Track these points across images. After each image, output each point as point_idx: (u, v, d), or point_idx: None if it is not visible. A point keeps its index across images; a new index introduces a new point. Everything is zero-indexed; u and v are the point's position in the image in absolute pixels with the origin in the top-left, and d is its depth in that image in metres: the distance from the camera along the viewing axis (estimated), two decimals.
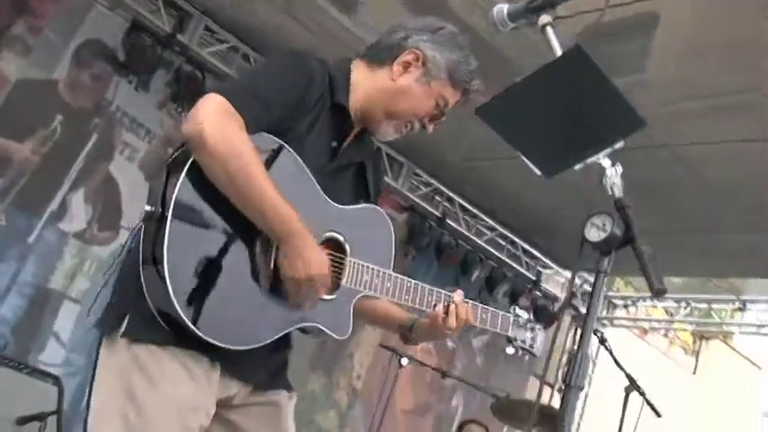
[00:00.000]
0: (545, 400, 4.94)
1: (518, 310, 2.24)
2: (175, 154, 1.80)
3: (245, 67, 5.60)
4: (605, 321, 8.18)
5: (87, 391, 1.79)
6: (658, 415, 3.98)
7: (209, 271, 1.73)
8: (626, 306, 8.13)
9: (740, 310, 7.20)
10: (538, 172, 1.54)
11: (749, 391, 11.09)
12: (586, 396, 7.88)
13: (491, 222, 7.04)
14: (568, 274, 7.62)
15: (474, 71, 2.04)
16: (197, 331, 1.69)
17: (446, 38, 2.03)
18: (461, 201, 6.87)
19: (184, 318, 1.68)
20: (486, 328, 2.18)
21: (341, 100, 1.98)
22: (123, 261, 1.87)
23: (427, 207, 6.74)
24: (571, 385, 1.34)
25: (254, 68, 3.90)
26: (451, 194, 6.82)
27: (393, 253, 2.08)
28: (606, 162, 1.48)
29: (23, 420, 3.57)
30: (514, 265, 7.31)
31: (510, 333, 2.20)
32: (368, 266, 1.97)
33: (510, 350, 2.22)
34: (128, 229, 5.44)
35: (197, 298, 1.70)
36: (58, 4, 5.21)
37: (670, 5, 3.99)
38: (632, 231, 1.38)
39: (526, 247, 7.31)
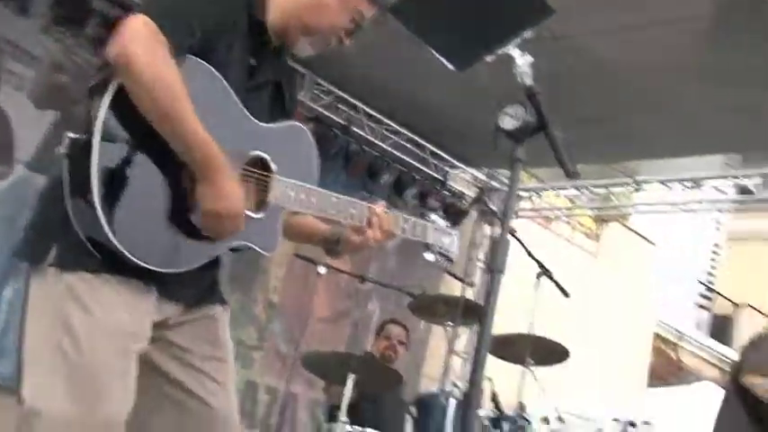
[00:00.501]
0: (456, 293, 5.16)
1: (434, 217, 2.31)
2: (97, 77, 1.75)
3: None
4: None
5: (19, 324, 1.77)
6: (567, 295, 4.20)
7: (138, 197, 1.72)
8: (531, 197, 8.38)
9: (636, 191, 7.54)
10: (451, 67, 1.56)
11: (645, 266, 11.75)
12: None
13: (396, 127, 7.08)
14: (476, 172, 7.79)
15: None
16: (129, 256, 1.69)
17: None
18: (365, 107, 6.87)
19: (116, 243, 1.67)
20: (407, 237, 2.24)
21: (258, 16, 1.96)
22: (44, 190, 1.83)
23: (331, 116, 6.72)
24: (494, 270, 1.41)
25: None
26: (355, 102, 6.80)
27: (316, 168, 2.10)
28: (516, 52, 1.51)
29: None
30: (422, 168, 7.41)
31: (429, 240, 2.27)
32: (293, 183, 1.99)
33: (429, 257, 2.29)
34: (23, 162, 5.24)
35: (127, 224, 1.70)
36: None
37: None
38: (545, 117, 1.43)
39: (433, 148, 7.39)
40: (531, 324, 4.43)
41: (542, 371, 4.66)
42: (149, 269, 1.73)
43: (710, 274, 13.76)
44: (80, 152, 1.68)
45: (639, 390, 9.84)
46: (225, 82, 1.85)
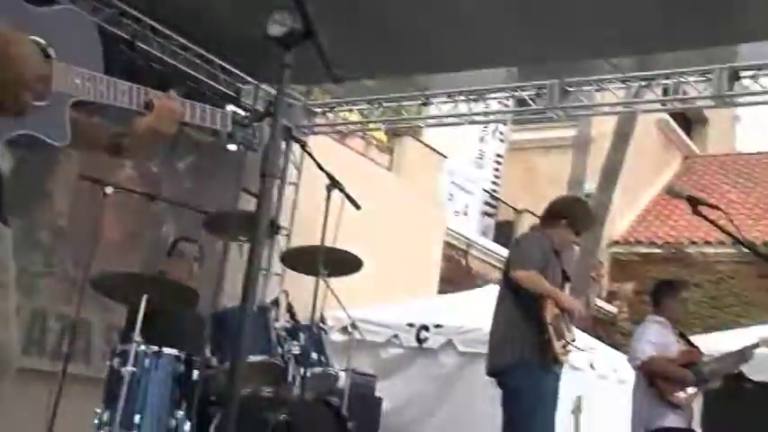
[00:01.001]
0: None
1: (235, 108, 2.26)
2: None
3: None
4: (306, 130, 8.49)
5: None
6: (357, 207, 4.32)
7: None
8: (325, 113, 8.46)
9: (425, 104, 7.82)
10: None
11: (436, 178, 12.29)
12: (297, 191, 8.31)
13: (185, 42, 6.84)
14: (268, 87, 7.72)
15: None
16: None
17: None
18: (151, 21, 6.56)
19: None
20: (205, 125, 2.17)
21: None
22: None
23: (115, 30, 6.35)
24: (266, 174, 1.44)
25: None
26: (139, 15, 6.48)
27: (101, 54, 1.98)
28: None
29: None
30: (213, 84, 7.25)
31: (230, 129, 2.22)
32: (77, 70, 1.87)
33: (232, 147, 2.25)
34: None
35: None
36: None
37: None
38: (311, 24, 1.46)
39: (223, 64, 7.24)
40: (327, 237, 4.51)
41: (338, 281, 4.79)
42: None
43: (494, 183, 14.61)
44: None
45: (431, 295, 10.38)
46: None
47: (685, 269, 14.56)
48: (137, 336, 4.06)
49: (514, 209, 15.00)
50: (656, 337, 5.01)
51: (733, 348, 5.26)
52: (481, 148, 14.26)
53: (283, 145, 8.60)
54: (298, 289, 5.11)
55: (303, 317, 4.76)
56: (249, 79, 7.54)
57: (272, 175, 1.47)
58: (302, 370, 4.14)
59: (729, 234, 3.41)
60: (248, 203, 5.74)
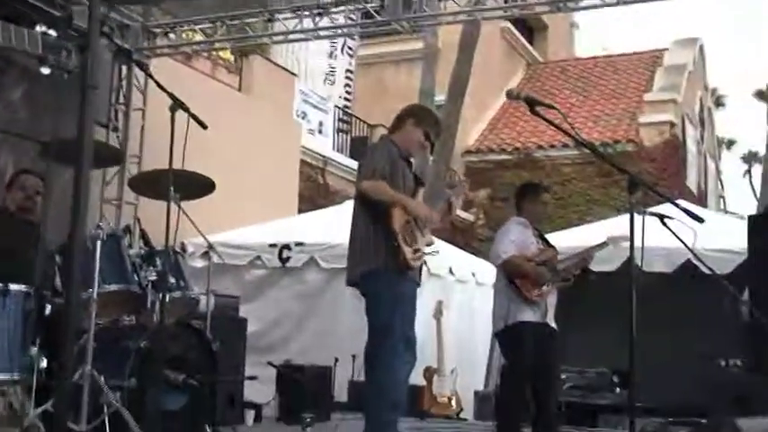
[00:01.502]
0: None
1: (47, 29, 2.15)
2: None
3: None
4: (148, 53, 8.15)
5: None
6: (204, 126, 4.20)
7: None
8: (166, 33, 8.14)
9: (270, 21, 7.66)
10: None
11: (288, 97, 12.15)
12: (144, 116, 8.03)
13: None
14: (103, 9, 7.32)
15: None
16: None
17: None
18: None
19: None
20: (14, 47, 2.05)
21: None
22: None
23: None
24: (86, 86, 1.40)
25: None
26: None
27: None
28: None
29: None
30: (44, 7, 6.81)
31: (41, 53, 2.12)
32: None
33: (45, 70, 2.15)
34: None
35: None
36: None
37: None
38: None
39: None
40: (176, 161, 4.38)
41: (197, 208, 4.69)
42: None
43: (347, 99, 14.61)
44: None
45: (291, 215, 10.40)
46: None
47: (534, 173, 15.22)
48: None
49: (368, 124, 15.10)
50: (516, 237, 5.23)
51: (582, 246, 5.57)
52: (332, 64, 14.17)
53: (125, 69, 8.25)
54: (154, 216, 4.98)
55: (161, 244, 4.65)
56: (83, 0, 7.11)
57: (91, 87, 1.41)
58: (161, 295, 4.08)
59: (567, 133, 3.55)
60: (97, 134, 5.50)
